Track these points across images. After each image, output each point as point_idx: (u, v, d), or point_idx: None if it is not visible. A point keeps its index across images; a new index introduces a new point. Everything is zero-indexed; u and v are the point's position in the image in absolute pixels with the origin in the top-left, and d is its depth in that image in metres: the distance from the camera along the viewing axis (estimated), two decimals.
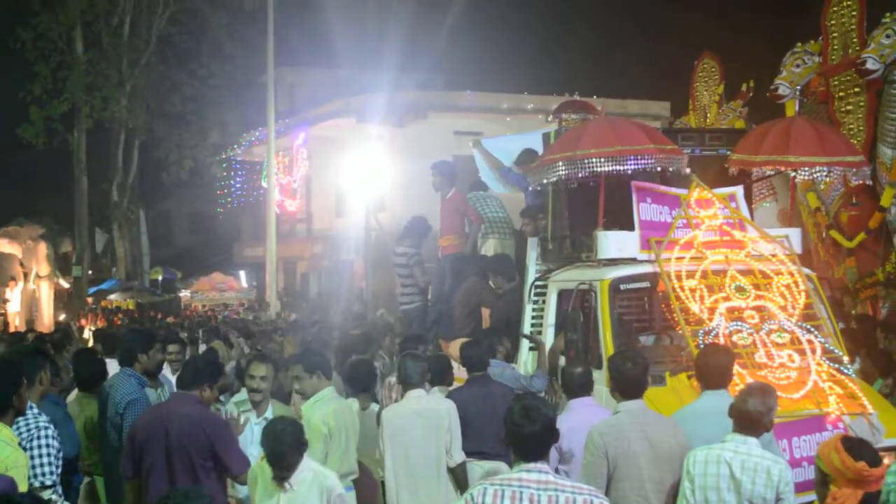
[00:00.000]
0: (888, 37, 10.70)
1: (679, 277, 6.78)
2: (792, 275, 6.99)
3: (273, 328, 15.60)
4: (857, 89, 11.30)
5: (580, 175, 7.09)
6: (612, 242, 7.13)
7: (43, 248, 23.44)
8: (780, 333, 6.56)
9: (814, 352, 6.51)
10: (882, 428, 6.23)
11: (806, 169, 7.61)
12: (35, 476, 4.66)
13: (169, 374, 7.57)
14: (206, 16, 32.11)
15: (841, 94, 11.53)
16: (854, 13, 11.38)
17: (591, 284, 7.07)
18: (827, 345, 6.66)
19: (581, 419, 5.49)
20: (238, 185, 31.93)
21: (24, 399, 4.72)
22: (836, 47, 11.64)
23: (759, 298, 6.77)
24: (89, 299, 30.54)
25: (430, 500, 6.12)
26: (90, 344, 14.07)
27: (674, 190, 7.39)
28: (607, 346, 6.73)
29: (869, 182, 9.19)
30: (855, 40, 11.32)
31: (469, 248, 9.69)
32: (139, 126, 31.98)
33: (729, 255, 7.00)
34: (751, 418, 4.67)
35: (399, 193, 21.87)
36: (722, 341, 6.32)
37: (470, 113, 23.00)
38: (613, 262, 7.17)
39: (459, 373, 7.21)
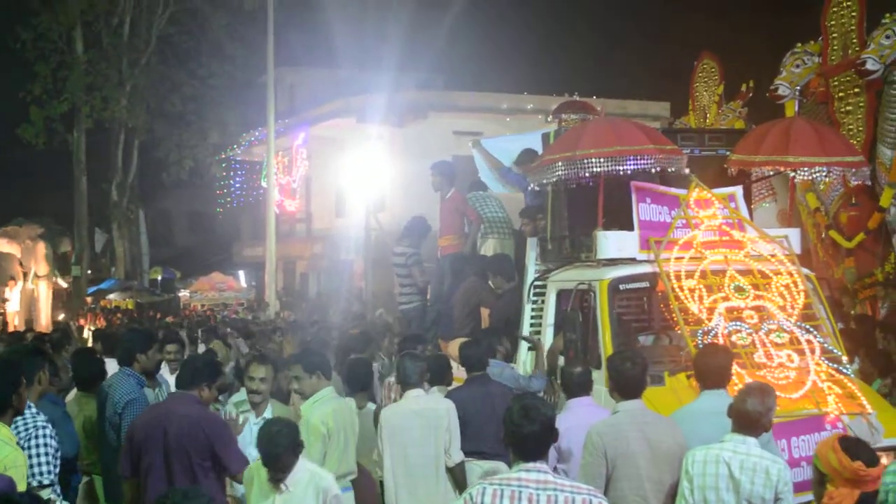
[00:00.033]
0: (888, 37, 10.70)
1: (678, 277, 6.78)
2: (791, 275, 7.00)
3: (272, 328, 15.58)
4: (856, 90, 11.30)
5: (580, 175, 7.10)
6: (612, 242, 7.14)
7: (41, 247, 23.45)
8: (779, 333, 6.56)
9: (813, 352, 6.51)
10: (881, 428, 6.23)
11: (805, 169, 7.62)
12: (33, 475, 4.66)
13: (166, 374, 7.56)
14: (206, 16, 32.13)
15: (840, 94, 11.53)
16: (854, 14, 11.37)
17: (591, 284, 7.08)
18: (826, 345, 6.66)
19: (580, 419, 5.49)
20: (238, 185, 31.91)
21: (23, 398, 4.73)
22: (835, 48, 11.64)
23: (758, 298, 6.77)
24: (88, 299, 30.56)
25: (429, 500, 6.12)
26: (90, 343, 14.08)
27: (673, 190, 7.39)
28: (606, 345, 6.73)
29: (868, 182, 9.20)
30: (855, 41, 11.32)
31: (468, 248, 9.69)
32: (139, 126, 32.00)
33: (728, 256, 7.01)
34: (750, 418, 4.67)
35: (399, 193, 21.86)
36: (721, 341, 6.32)
37: (470, 113, 22.98)
38: (613, 262, 7.17)
39: (458, 372, 7.21)
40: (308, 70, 30.58)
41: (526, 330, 7.83)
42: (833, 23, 11.65)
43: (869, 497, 4.14)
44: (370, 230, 21.09)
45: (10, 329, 20.41)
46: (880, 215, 10.99)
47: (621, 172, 7.07)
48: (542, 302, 7.77)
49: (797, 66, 12.03)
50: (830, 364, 6.56)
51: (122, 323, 22.33)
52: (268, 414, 6.34)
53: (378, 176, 21.03)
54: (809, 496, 4.57)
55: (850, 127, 11.24)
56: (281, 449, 4.87)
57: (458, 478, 6.19)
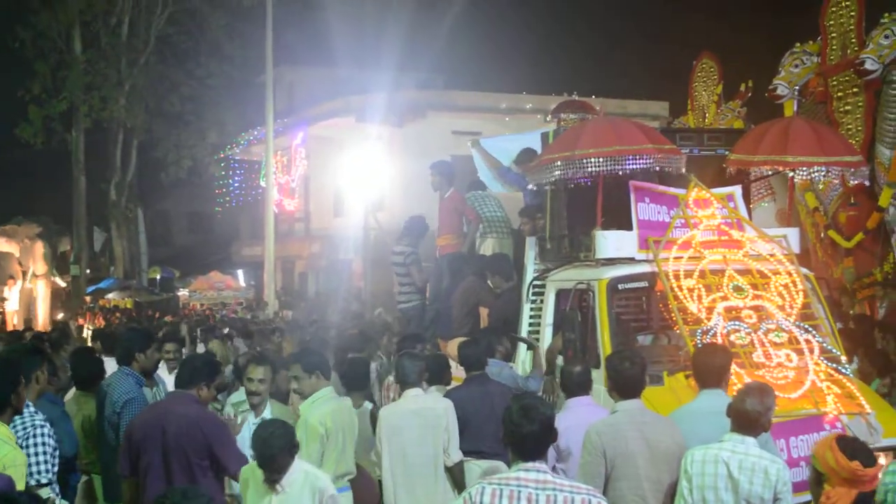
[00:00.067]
0: (887, 37, 10.71)
1: (677, 277, 6.78)
2: (790, 274, 7.00)
3: (271, 328, 15.58)
4: (855, 89, 11.31)
5: (578, 175, 7.10)
6: (611, 242, 7.14)
7: (40, 246, 23.45)
8: (778, 333, 6.56)
9: (812, 351, 6.51)
10: (880, 428, 6.23)
11: (804, 169, 7.61)
12: (31, 474, 4.67)
13: (164, 374, 7.56)
14: (205, 16, 32.14)
15: (839, 94, 11.54)
16: (853, 13, 11.39)
17: (590, 284, 7.08)
18: (825, 344, 6.66)
19: (579, 418, 5.49)
20: (236, 185, 31.91)
21: (22, 398, 4.73)
22: (834, 47, 11.64)
23: (756, 298, 6.77)
24: (87, 298, 30.56)
25: (428, 500, 6.12)
26: (88, 343, 14.08)
27: (672, 190, 7.39)
28: (605, 345, 6.73)
29: (867, 182, 9.20)
30: (853, 41, 11.33)
31: (467, 248, 9.70)
32: (137, 125, 32.00)
33: (727, 255, 7.00)
34: (749, 418, 4.67)
35: (398, 193, 21.84)
36: (720, 341, 6.32)
37: (469, 113, 22.95)
38: (611, 261, 7.17)
39: (457, 372, 7.21)
40: (307, 69, 30.55)
41: (525, 329, 7.83)
42: (832, 23, 11.66)
43: (866, 497, 4.15)
44: (369, 230, 21.08)
45: (9, 328, 20.40)
46: (879, 215, 11.00)
47: (620, 172, 7.07)
48: (541, 301, 7.77)
49: (796, 66, 12.05)
50: (829, 364, 6.56)
51: (120, 322, 22.31)
52: (267, 414, 6.33)
53: (377, 175, 21.02)
54: (808, 496, 4.57)
55: (849, 127, 11.25)
56: (276, 450, 4.85)
57: (456, 477, 6.19)
